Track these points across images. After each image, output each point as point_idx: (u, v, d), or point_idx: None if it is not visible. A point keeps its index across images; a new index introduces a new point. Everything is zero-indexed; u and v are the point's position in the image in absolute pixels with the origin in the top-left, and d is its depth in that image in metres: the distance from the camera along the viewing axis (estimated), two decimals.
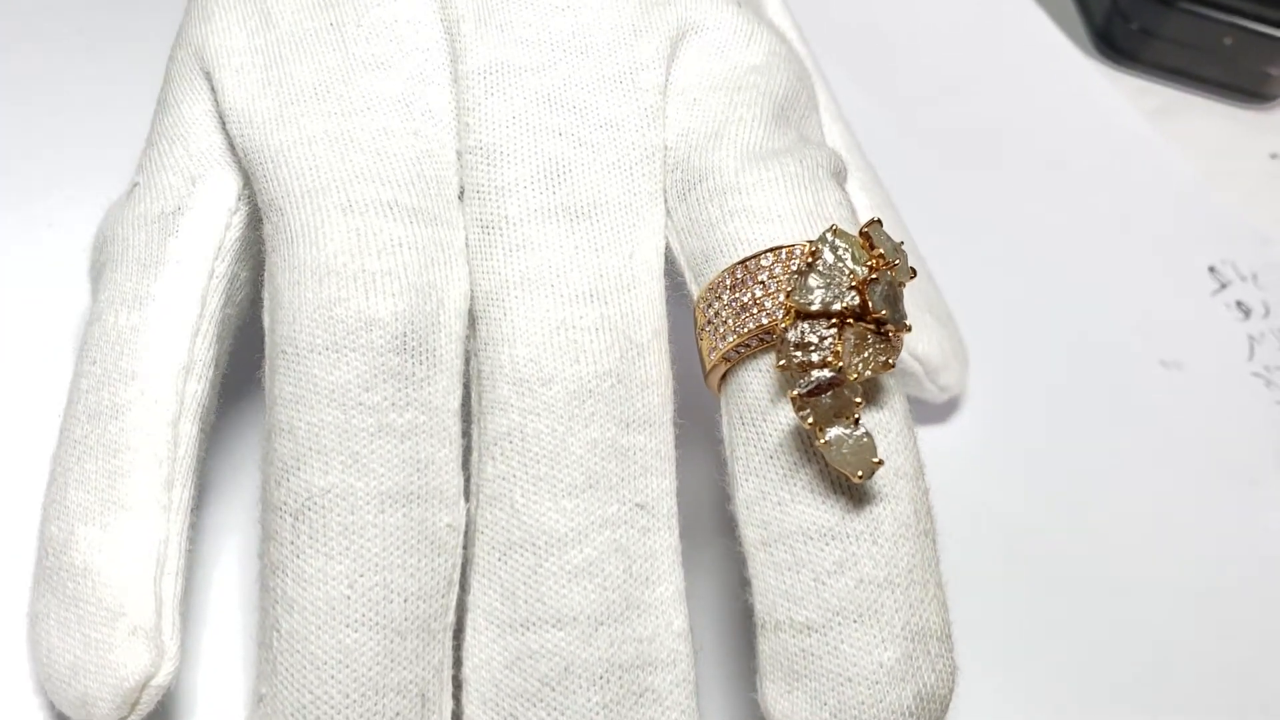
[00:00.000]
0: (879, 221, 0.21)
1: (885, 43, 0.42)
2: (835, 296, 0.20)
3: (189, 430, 0.22)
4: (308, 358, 0.20)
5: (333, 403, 0.20)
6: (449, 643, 0.21)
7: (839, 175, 0.24)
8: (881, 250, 0.21)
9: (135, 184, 0.24)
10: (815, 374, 0.20)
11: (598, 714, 0.20)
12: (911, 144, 0.39)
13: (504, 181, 0.23)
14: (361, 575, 0.20)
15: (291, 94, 0.23)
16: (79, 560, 0.21)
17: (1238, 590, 0.30)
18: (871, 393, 0.21)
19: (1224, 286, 0.37)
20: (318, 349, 0.20)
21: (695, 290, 0.23)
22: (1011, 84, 0.42)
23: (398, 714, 0.20)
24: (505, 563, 0.21)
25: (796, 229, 0.22)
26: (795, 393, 0.20)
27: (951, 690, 0.20)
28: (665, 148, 0.24)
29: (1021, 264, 0.36)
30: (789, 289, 0.21)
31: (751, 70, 0.25)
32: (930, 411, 0.32)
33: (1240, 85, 0.43)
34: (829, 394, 0.20)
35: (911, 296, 0.30)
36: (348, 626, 0.20)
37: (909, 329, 0.21)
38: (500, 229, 0.23)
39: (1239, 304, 0.37)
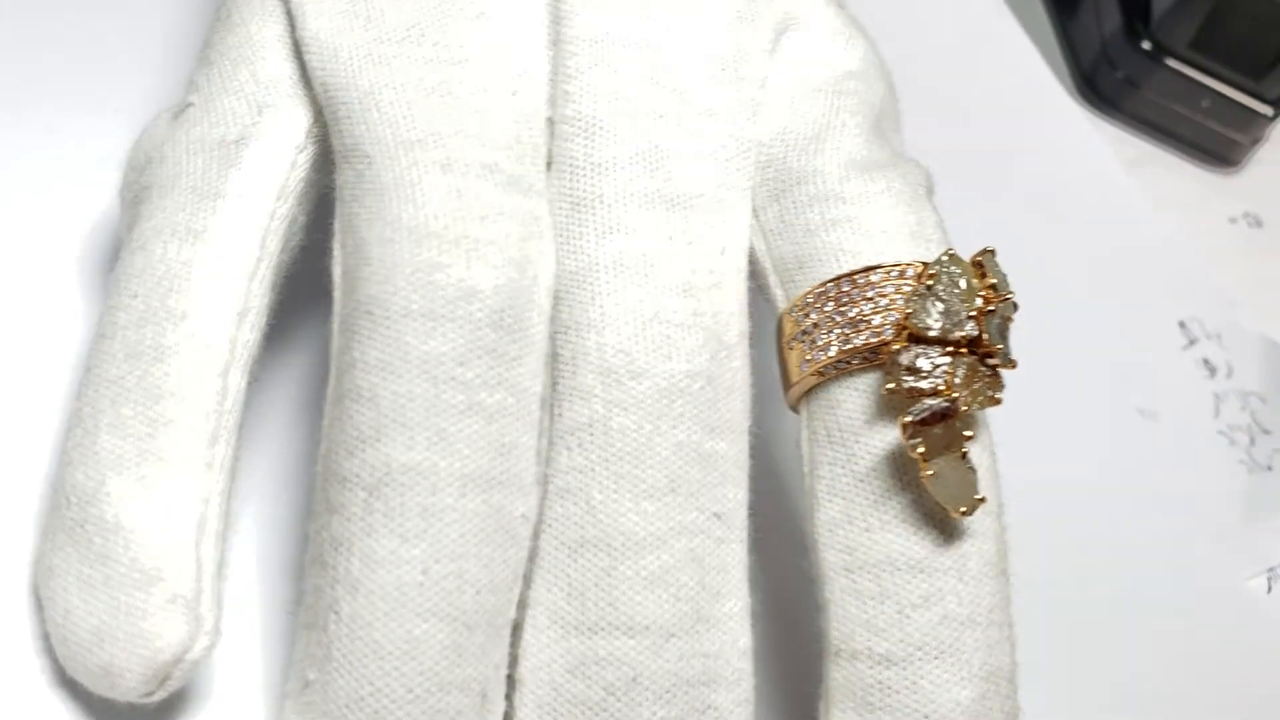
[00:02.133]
0: (992, 251, 0.21)
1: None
2: (955, 324, 0.20)
3: (238, 382, 0.20)
4: (400, 322, 0.19)
5: (424, 374, 0.19)
6: (508, 639, 0.19)
7: (932, 194, 0.24)
8: (994, 280, 0.21)
9: (189, 104, 0.22)
10: (929, 402, 0.20)
11: None
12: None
13: (601, 159, 0.22)
14: (438, 562, 0.18)
15: (382, 31, 0.21)
16: (109, 514, 0.19)
17: (1202, 643, 0.31)
18: (965, 424, 0.21)
19: (1192, 343, 0.38)
20: (413, 314, 0.19)
21: (781, 296, 0.22)
22: (996, 120, 0.42)
23: (459, 712, 0.18)
24: (575, 561, 0.20)
25: (902, 248, 0.22)
26: (907, 419, 0.19)
27: None
28: (759, 144, 0.23)
29: None
30: (907, 310, 0.20)
31: (850, 76, 0.24)
32: None
33: (1208, 147, 0.44)
34: (940, 425, 0.20)
35: None
36: (418, 616, 0.18)
37: (1014, 365, 0.21)
38: (593, 208, 0.21)
39: (1205, 361, 0.38)
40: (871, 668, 0.19)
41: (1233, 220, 0.44)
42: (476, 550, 0.19)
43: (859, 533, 0.20)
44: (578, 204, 0.21)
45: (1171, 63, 0.42)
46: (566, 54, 0.22)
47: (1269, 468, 0.35)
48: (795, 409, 0.22)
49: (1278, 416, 0.37)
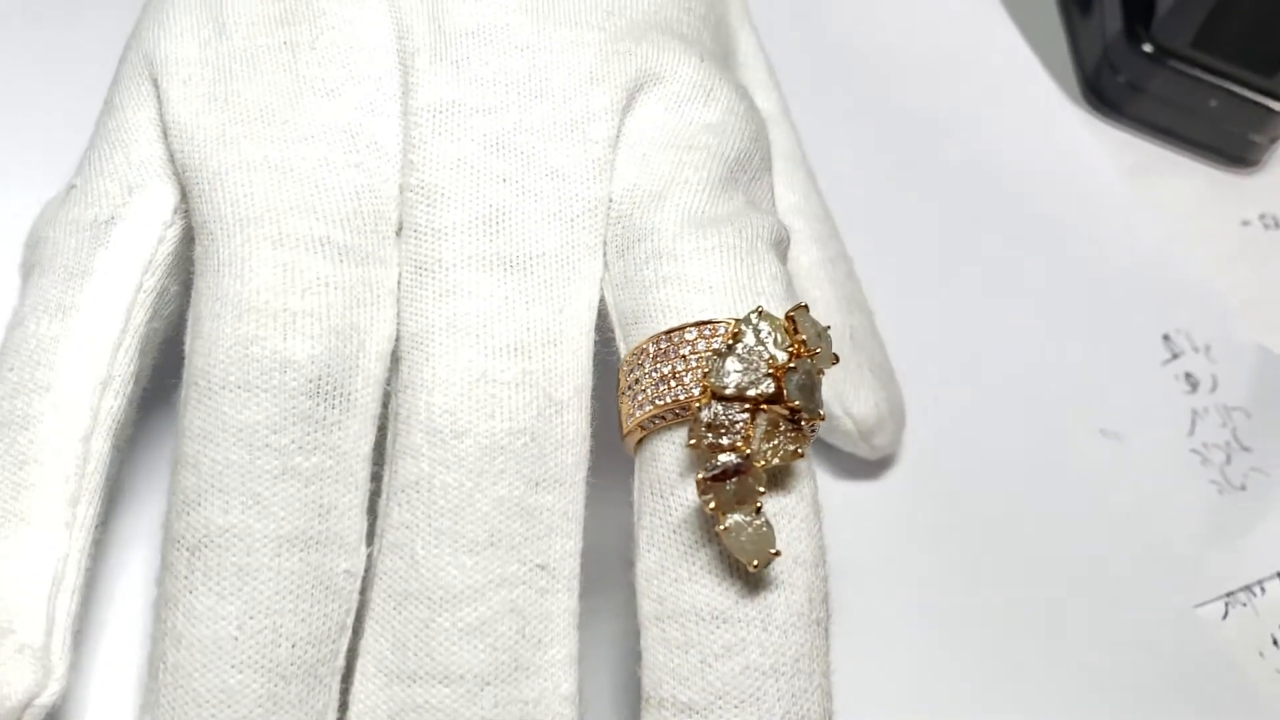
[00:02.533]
0: (804, 306, 0.21)
1: (869, 75, 0.41)
2: (751, 382, 0.20)
3: (100, 446, 0.22)
4: (219, 394, 0.20)
5: (239, 442, 0.20)
6: (336, 687, 0.21)
7: (780, 246, 0.24)
8: (804, 336, 0.21)
9: (73, 186, 0.24)
10: (722, 458, 0.20)
11: None
12: (889, 179, 0.38)
13: (441, 224, 0.23)
14: (251, 618, 0.20)
15: (237, 113, 0.23)
16: None
17: (1165, 670, 0.30)
18: (781, 476, 0.21)
19: (1175, 356, 0.37)
20: (230, 386, 0.20)
21: (622, 349, 0.23)
22: (994, 127, 0.41)
23: None
24: (399, 613, 0.21)
25: (726, 303, 0.22)
26: (700, 475, 0.20)
27: None
28: (610, 201, 0.24)
29: (976, 315, 0.36)
30: (707, 368, 0.21)
31: (706, 129, 0.25)
32: (861, 466, 0.32)
33: (1223, 148, 0.42)
34: (734, 480, 0.20)
35: (854, 353, 0.30)
36: (233, 667, 0.20)
37: (822, 419, 0.21)
38: (433, 272, 0.23)
39: (1188, 375, 0.37)
40: (675, 715, 0.20)
41: (1246, 223, 0.42)
42: (293, 606, 0.20)
43: (669, 583, 0.21)
44: (420, 268, 0.23)
45: (1174, 64, 0.41)
46: (412, 124, 0.23)
47: (1242, 487, 0.34)
48: (632, 456, 0.23)
49: (1260, 432, 0.35)
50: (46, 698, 0.21)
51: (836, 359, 0.22)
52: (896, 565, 0.30)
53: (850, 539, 0.30)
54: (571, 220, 0.23)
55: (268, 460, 0.20)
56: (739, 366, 0.20)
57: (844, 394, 0.29)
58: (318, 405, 0.21)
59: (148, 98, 0.24)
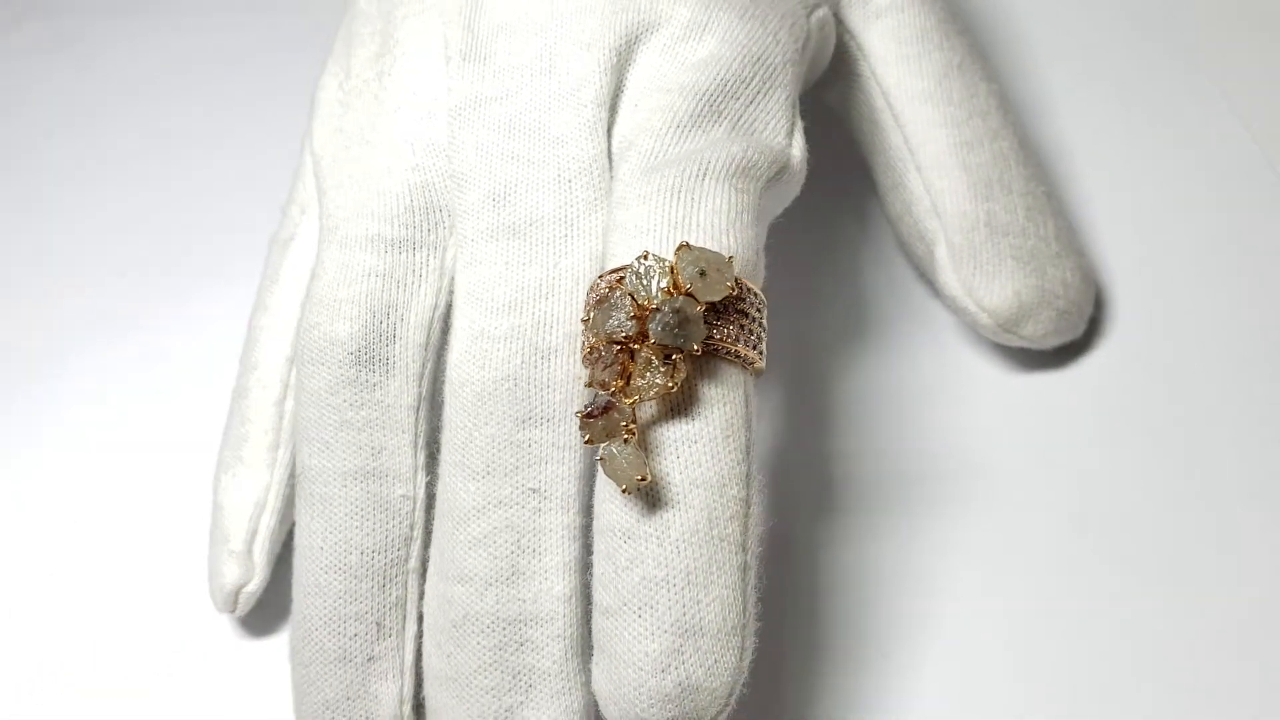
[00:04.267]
0: (685, 245, 0.23)
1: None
2: (617, 325, 0.22)
3: (290, 408, 0.30)
4: (301, 368, 0.27)
5: (311, 402, 0.27)
6: (413, 583, 0.27)
7: (747, 172, 0.25)
8: (680, 275, 0.22)
9: (283, 209, 0.32)
10: (598, 395, 0.23)
11: (488, 655, 0.25)
12: None
13: (466, 205, 0.27)
14: (330, 533, 0.27)
15: (343, 140, 0.29)
16: (218, 498, 0.30)
17: None
18: (686, 404, 0.23)
19: None
20: (304, 361, 0.27)
21: None
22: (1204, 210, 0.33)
23: (355, 635, 0.26)
24: (440, 527, 0.26)
25: (653, 245, 0.24)
26: (577, 412, 0.23)
27: (726, 684, 0.22)
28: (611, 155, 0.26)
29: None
30: (584, 317, 0.23)
31: (692, 67, 0.26)
32: (1043, 356, 0.30)
33: None
34: (603, 416, 0.22)
35: (989, 242, 0.28)
36: (320, 569, 0.27)
37: (697, 353, 0.22)
38: (463, 247, 0.27)
39: None
40: (600, 616, 0.23)
41: None
42: (359, 524, 0.26)
43: (600, 503, 0.24)
44: (459, 244, 0.27)
45: None
46: (450, 123, 0.28)
47: None
48: None
49: None
50: (251, 587, 0.29)
51: (736, 288, 0.23)
52: (1058, 462, 0.28)
53: (1033, 430, 0.29)
54: (569, 182, 0.26)
55: (329, 415, 0.27)
56: (605, 313, 0.23)
57: (974, 287, 0.28)
58: (361, 371, 0.27)
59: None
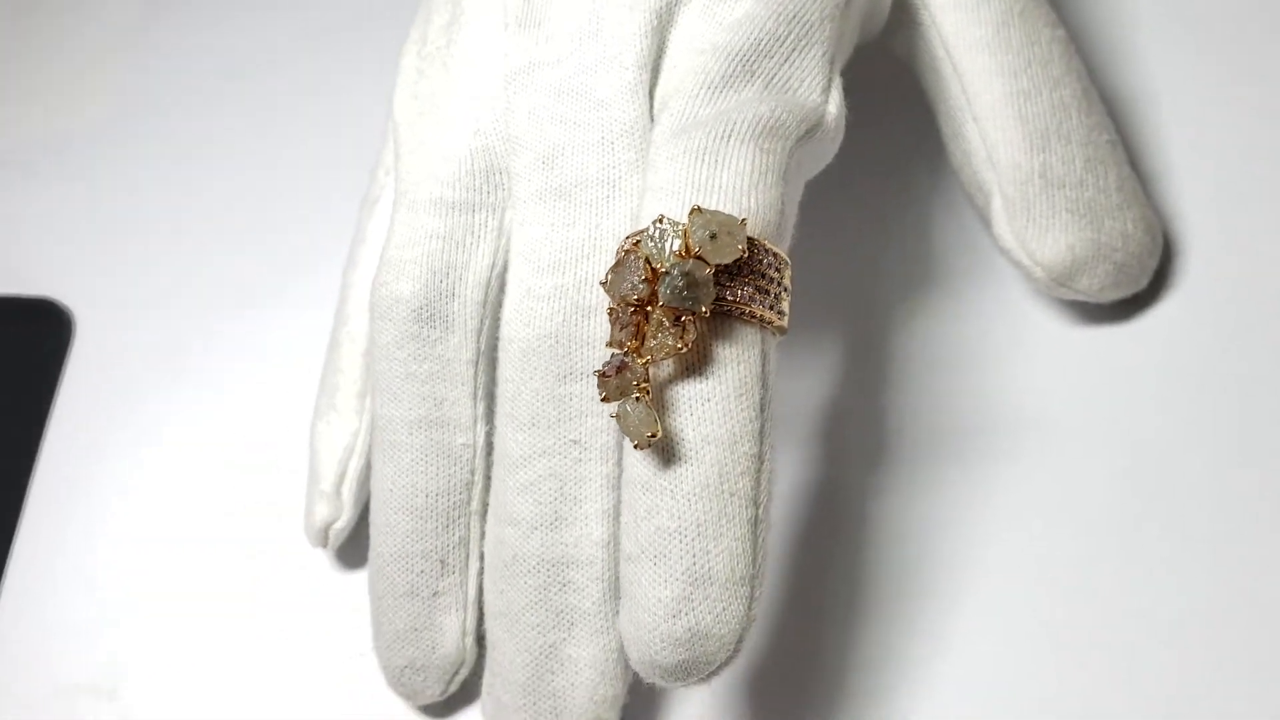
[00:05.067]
0: (697, 209, 0.23)
1: None
2: (630, 288, 0.23)
3: None
4: (373, 323, 0.29)
5: (382, 356, 0.29)
6: (475, 525, 0.29)
7: (774, 132, 0.25)
8: (691, 239, 0.23)
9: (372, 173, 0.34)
10: (614, 355, 0.24)
11: (534, 594, 0.27)
12: None
13: (518, 168, 0.28)
14: (399, 476, 0.29)
15: (418, 107, 0.31)
16: (314, 443, 0.32)
17: None
18: (700, 364, 0.24)
19: None
20: (375, 317, 0.29)
21: None
22: None
23: (421, 572, 0.29)
24: (495, 473, 0.28)
25: (679, 205, 0.25)
26: (596, 370, 0.24)
27: (734, 631, 0.23)
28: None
29: None
30: (603, 280, 0.24)
31: (728, 28, 0.26)
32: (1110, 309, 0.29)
33: None
34: (618, 375, 0.24)
35: (1043, 194, 0.28)
36: (391, 509, 0.29)
37: (706, 315, 0.23)
38: (516, 208, 0.28)
39: None
40: (624, 562, 0.24)
41: None
42: (424, 468, 0.28)
43: (626, 456, 0.25)
44: (513, 206, 0.29)
45: None
46: (505, 89, 0.29)
47: None
48: None
49: None
50: (340, 524, 0.31)
51: (745, 250, 0.23)
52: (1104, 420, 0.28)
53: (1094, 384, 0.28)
54: (612, 144, 0.27)
55: (396, 367, 0.29)
56: (622, 274, 0.24)
57: (1027, 240, 0.28)
58: (423, 328, 0.28)
59: None
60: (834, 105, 0.27)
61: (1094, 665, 0.27)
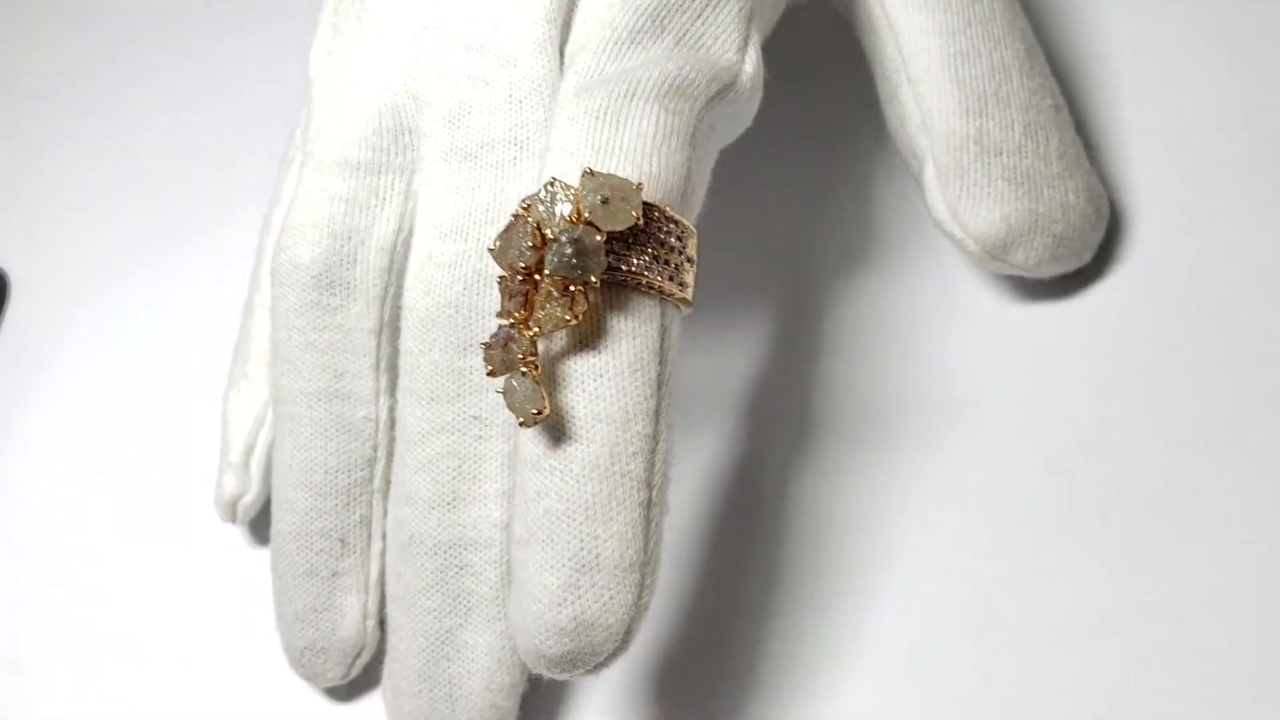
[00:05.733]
0: (589, 171, 0.22)
1: None
2: (518, 255, 0.22)
3: None
4: (273, 290, 0.28)
5: (281, 324, 0.27)
6: (376, 504, 0.27)
7: (681, 91, 0.24)
8: (582, 204, 0.22)
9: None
10: (501, 326, 0.22)
11: (431, 577, 0.26)
12: None
13: (425, 126, 0.27)
14: (298, 450, 0.27)
15: (334, 61, 0.29)
16: (225, 412, 0.31)
17: None
18: (592, 337, 0.22)
19: None
20: (275, 284, 0.28)
21: None
22: None
23: (321, 551, 0.27)
24: (396, 450, 0.27)
25: (576, 168, 0.23)
26: (482, 341, 0.22)
27: (621, 621, 0.22)
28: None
29: None
30: (490, 246, 0.23)
31: None
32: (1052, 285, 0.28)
33: None
34: (503, 348, 0.22)
35: (978, 162, 0.27)
36: (290, 485, 0.27)
37: (597, 285, 0.22)
38: (420, 170, 0.27)
39: None
40: (513, 546, 0.23)
41: None
42: (323, 443, 0.27)
43: (518, 433, 0.23)
44: (418, 167, 0.27)
45: None
46: (414, 43, 0.27)
47: None
48: None
49: None
50: (248, 499, 0.30)
51: (638, 217, 0.22)
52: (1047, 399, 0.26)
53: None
54: (520, 102, 0.26)
55: (295, 337, 0.27)
56: (505, 242, 0.22)
57: (959, 211, 0.26)
58: (322, 295, 0.27)
59: None
60: (750, 64, 0.25)
61: (1021, 660, 0.25)
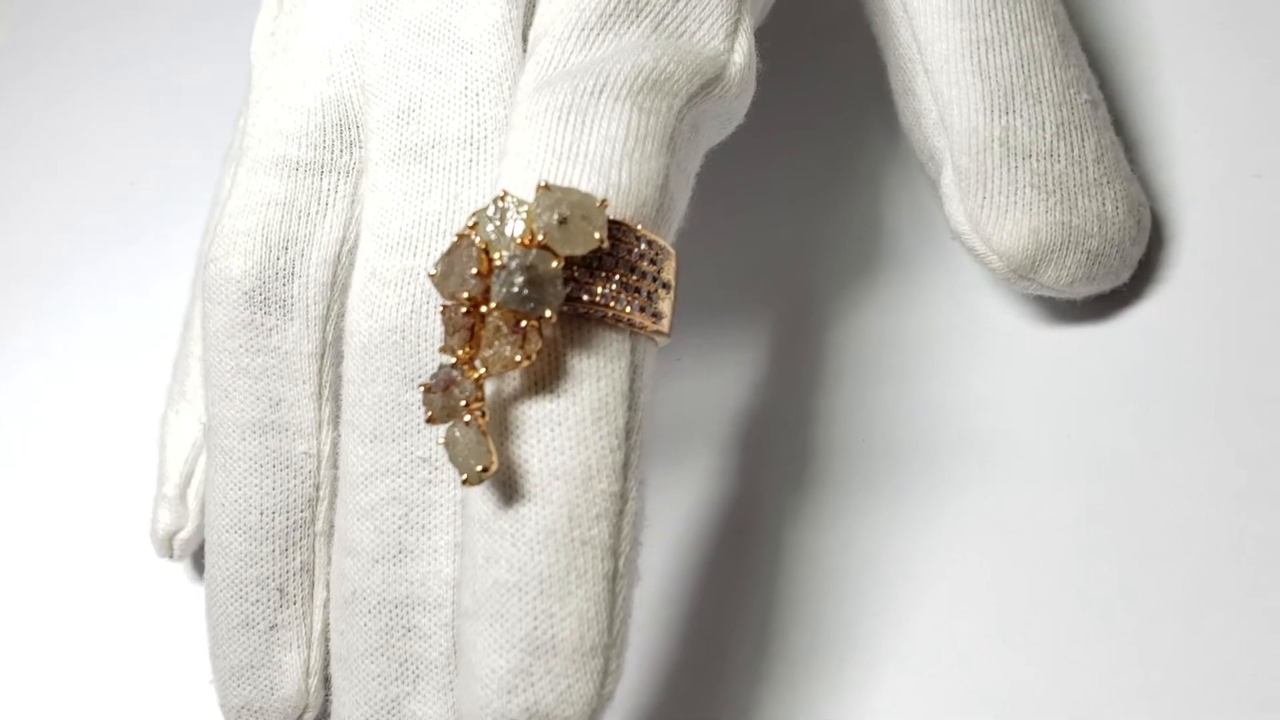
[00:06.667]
0: (546, 186, 0.19)
1: None
2: (461, 283, 0.19)
3: None
4: (204, 306, 0.25)
5: (210, 346, 0.24)
6: (319, 549, 0.24)
7: (658, 87, 0.20)
8: (536, 224, 0.18)
9: None
10: (443, 365, 0.19)
11: (375, 639, 0.23)
12: None
13: (372, 121, 0.24)
14: (231, 489, 0.24)
15: (275, 45, 0.26)
16: (162, 436, 0.28)
17: None
18: (549, 379, 0.19)
19: None
20: (206, 299, 0.25)
21: None
22: None
23: (257, 601, 0.24)
24: (339, 493, 0.24)
25: (534, 177, 0.20)
26: (421, 384, 0.19)
27: (581, 712, 0.19)
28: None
29: None
30: (432, 271, 0.19)
31: None
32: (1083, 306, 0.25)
33: None
34: (445, 390, 0.19)
35: (1003, 166, 0.24)
36: (222, 527, 0.24)
37: (551, 320, 0.18)
38: (369, 171, 0.24)
39: None
40: (459, 619, 0.20)
41: None
42: (258, 481, 0.24)
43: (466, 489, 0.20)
44: (365, 168, 0.24)
45: None
46: (360, 25, 0.24)
47: None
48: None
49: None
50: (185, 534, 0.27)
51: (602, 240, 0.18)
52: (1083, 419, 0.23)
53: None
54: (477, 95, 0.23)
55: (226, 360, 0.24)
56: (452, 264, 0.19)
57: (982, 222, 0.24)
58: (256, 313, 0.24)
59: None
60: (740, 54, 0.22)
61: None
